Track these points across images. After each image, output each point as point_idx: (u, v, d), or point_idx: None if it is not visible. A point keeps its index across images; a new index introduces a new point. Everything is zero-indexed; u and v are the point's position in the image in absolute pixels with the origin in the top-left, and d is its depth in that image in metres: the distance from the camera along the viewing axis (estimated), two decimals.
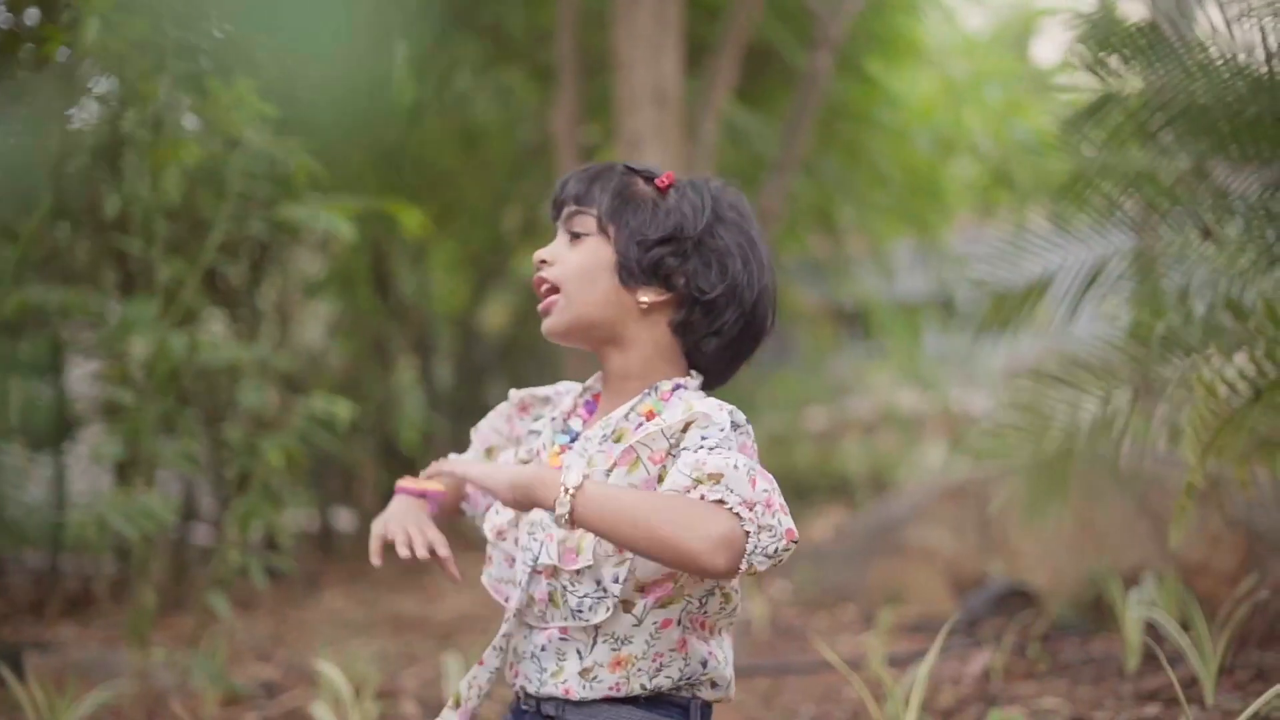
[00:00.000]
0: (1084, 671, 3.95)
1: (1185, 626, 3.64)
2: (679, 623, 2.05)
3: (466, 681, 2.11)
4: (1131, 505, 4.73)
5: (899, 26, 8.54)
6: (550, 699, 2.09)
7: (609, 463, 2.04)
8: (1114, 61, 3.71)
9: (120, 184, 4.68)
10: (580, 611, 2.02)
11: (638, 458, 2.00)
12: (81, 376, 6.97)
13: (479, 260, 10.01)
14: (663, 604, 2.03)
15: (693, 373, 2.16)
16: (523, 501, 1.92)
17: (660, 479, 1.97)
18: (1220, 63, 3.47)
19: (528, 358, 11.13)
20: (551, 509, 1.89)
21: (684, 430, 1.98)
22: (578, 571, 2.01)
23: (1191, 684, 3.33)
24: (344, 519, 8.73)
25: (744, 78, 6.62)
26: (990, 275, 4.19)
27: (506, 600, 2.15)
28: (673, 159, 5.43)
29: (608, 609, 2.00)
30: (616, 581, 1.99)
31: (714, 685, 2.11)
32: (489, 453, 2.39)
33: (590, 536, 1.99)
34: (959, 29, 10.74)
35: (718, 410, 1.98)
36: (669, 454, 1.98)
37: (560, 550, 2.02)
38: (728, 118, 6.39)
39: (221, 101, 3.97)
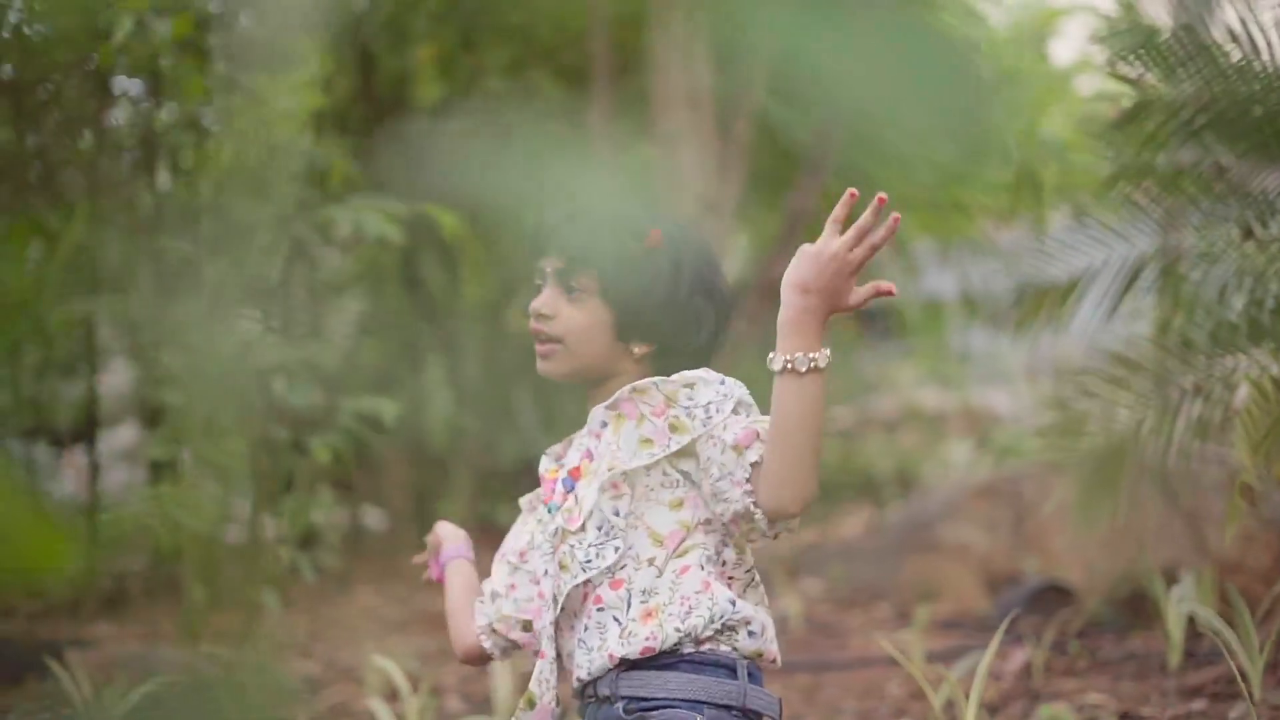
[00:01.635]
0: (1125, 668, 3.97)
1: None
2: (700, 567, 2.19)
3: (535, 679, 2.26)
4: (1165, 503, 4.75)
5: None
6: (602, 675, 2.21)
7: (609, 425, 2.28)
8: (1148, 64, 3.73)
9: (154, 185, 4.72)
10: (589, 561, 2.21)
11: (641, 414, 2.22)
12: (115, 375, 7.01)
13: (507, 260, 10.02)
14: (680, 553, 2.20)
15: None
16: (800, 318, 2.03)
17: (674, 428, 2.18)
18: (1259, 65, 3.50)
19: None
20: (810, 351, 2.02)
21: (689, 387, 2.20)
22: (581, 527, 2.21)
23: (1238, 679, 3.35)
24: (374, 517, 8.76)
25: (776, 78, 6.63)
26: (1028, 273, 4.21)
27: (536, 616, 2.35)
28: (706, 158, 5.47)
29: (615, 549, 2.19)
30: (619, 515, 2.20)
31: (750, 633, 2.21)
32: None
33: (589, 497, 2.22)
34: (981, 27, 10.71)
35: (708, 373, 2.23)
36: (668, 406, 2.20)
37: (564, 517, 2.25)
38: (760, 114, 6.40)
39: (265, 101, 4.02)
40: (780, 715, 2.25)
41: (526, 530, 2.44)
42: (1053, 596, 5.00)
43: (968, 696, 2.94)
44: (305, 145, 4.34)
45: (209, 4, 4.27)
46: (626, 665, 2.19)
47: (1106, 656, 4.15)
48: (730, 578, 2.24)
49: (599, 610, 2.21)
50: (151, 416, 6.18)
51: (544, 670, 2.24)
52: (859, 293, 2.05)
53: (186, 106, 4.09)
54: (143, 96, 4.91)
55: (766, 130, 7.30)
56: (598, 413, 2.29)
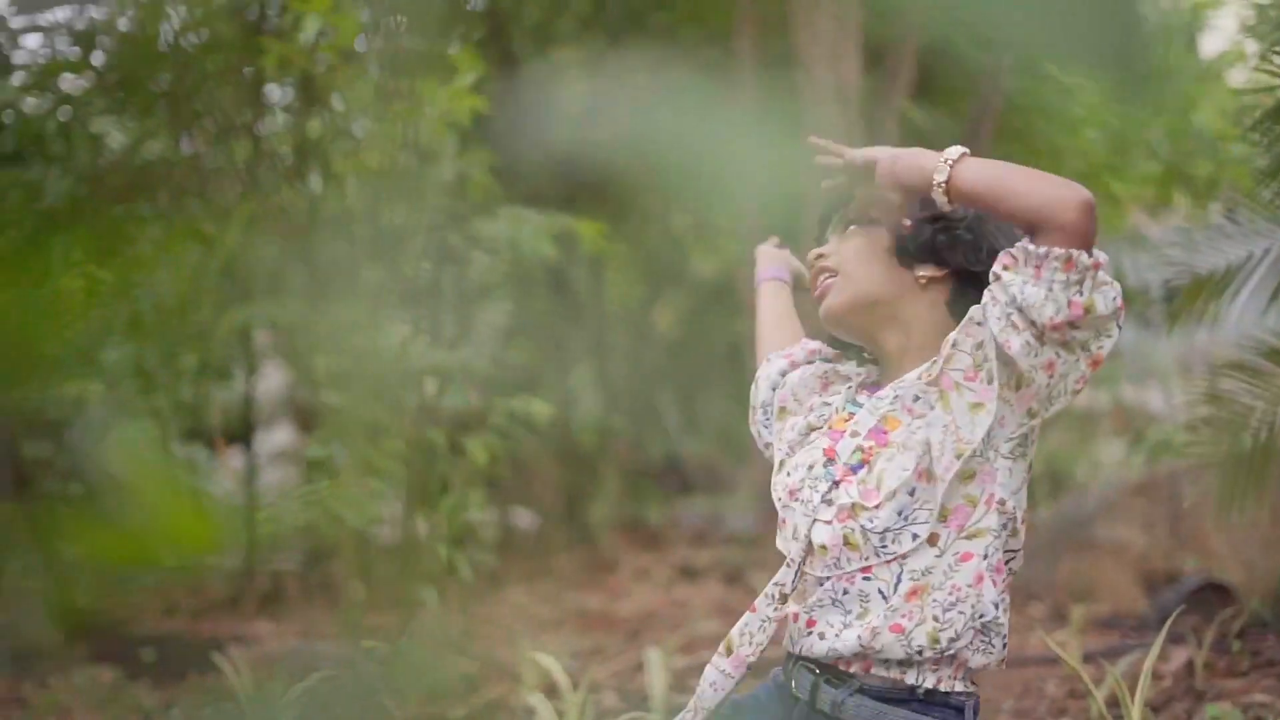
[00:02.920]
0: None
1: None
2: (984, 557, 2.05)
3: (738, 629, 2.14)
4: None
5: None
6: (830, 666, 2.10)
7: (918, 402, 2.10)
8: None
9: (307, 190, 4.81)
10: (885, 546, 2.04)
11: (957, 384, 2.05)
12: (269, 378, 7.15)
13: (652, 261, 10.07)
14: (968, 536, 2.04)
15: None
16: (903, 174, 2.06)
17: (990, 379, 2.02)
18: None
19: (697, 357, 11.17)
20: (929, 181, 2.02)
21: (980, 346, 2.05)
22: (877, 506, 2.04)
23: None
24: (523, 517, 8.83)
25: (923, 75, 6.61)
26: (1181, 266, 4.14)
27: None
28: None
29: (913, 537, 2.03)
30: (929, 509, 2.03)
31: (993, 645, 2.08)
32: (782, 412, 2.39)
33: (891, 471, 2.04)
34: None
35: None
36: (977, 370, 2.04)
37: (860, 490, 2.07)
38: (907, 115, 6.39)
39: (424, 109, 4.08)
40: None
41: (800, 463, 2.22)
42: (1211, 596, 4.90)
43: (1133, 695, 2.91)
44: (453, 152, 4.39)
45: (365, 13, 4.34)
46: (855, 689, 2.08)
47: (1270, 656, 4.07)
48: (1002, 567, 2.10)
49: (865, 579, 2.06)
50: (306, 418, 6.30)
51: (751, 624, 2.13)
52: None
53: (344, 113, 4.16)
54: (296, 103, 5.00)
55: (914, 129, 7.27)
56: (913, 386, 2.10)
